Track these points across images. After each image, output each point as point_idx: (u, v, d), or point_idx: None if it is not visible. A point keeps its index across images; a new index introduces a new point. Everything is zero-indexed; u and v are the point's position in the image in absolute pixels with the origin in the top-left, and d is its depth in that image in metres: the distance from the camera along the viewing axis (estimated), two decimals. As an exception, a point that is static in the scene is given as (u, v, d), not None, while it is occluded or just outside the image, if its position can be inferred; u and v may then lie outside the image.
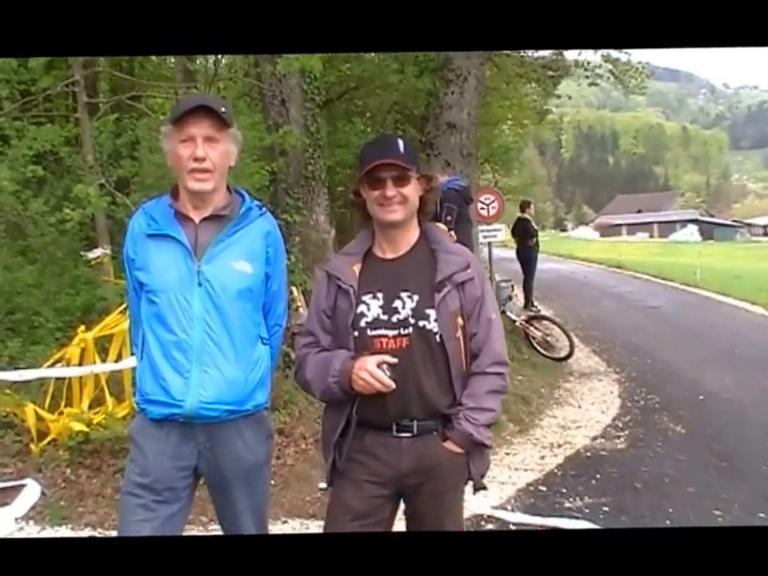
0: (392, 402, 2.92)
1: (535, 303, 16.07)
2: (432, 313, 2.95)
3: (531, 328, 12.23)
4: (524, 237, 15.78)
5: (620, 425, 8.72)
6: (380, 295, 3.01)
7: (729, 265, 30.31)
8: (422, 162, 12.35)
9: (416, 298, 2.98)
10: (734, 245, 56.39)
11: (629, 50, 17.79)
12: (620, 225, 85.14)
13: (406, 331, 2.95)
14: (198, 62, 9.60)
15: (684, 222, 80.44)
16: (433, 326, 2.94)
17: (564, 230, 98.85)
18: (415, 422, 2.96)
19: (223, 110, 3.04)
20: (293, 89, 9.42)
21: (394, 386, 2.86)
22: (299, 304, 8.33)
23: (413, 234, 3.11)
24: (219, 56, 10.00)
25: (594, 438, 8.23)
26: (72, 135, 8.25)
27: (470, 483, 3.07)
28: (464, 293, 3.01)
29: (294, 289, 8.54)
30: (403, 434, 2.96)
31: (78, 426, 6.02)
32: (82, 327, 6.40)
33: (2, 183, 6.79)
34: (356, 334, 2.99)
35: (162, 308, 3.02)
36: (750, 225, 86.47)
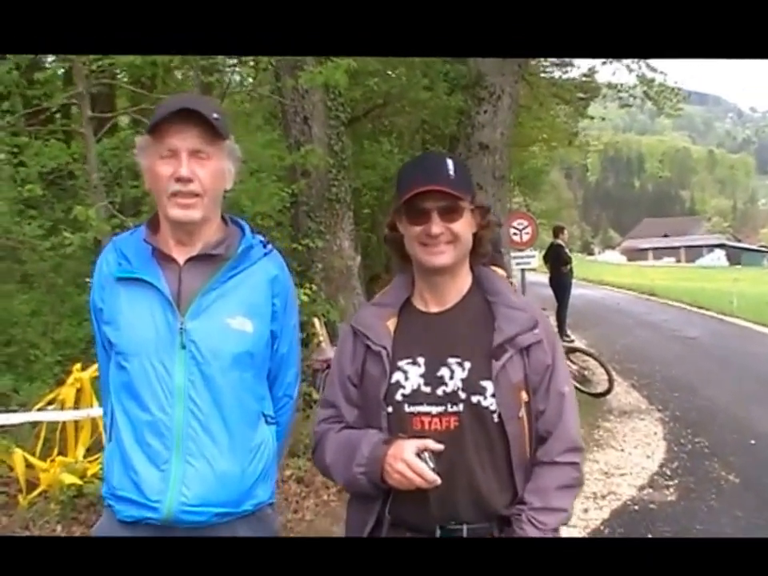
0: (436, 501, 2.24)
1: (568, 332, 15.45)
2: (489, 385, 2.27)
3: (566, 361, 11.53)
4: (557, 263, 15.24)
5: (668, 472, 8.02)
6: (421, 360, 2.34)
7: (759, 290, 29.54)
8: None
9: (468, 365, 2.30)
10: (761, 270, 55.57)
11: (663, 72, 17.46)
12: (646, 249, 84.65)
13: (455, 408, 2.28)
14: (213, 76, 9.01)
15: (711, 247, 79.75)
16: (489, 402, 2.26)
17: (591, 253, 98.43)
18: (465, 526, 2.25)
19: (216, 115, 2.36)
20: (316, 105, 8.86)
21: (438, 480, 2.16)
22: (321, 338, 7.78)
23: (463, 282, 2.44)
24: (235, 68, 9.43)
25: (641, 488, 7.53)
26: (77, 152, 7.64)
27: None
28: (529, 359, 2.32)
29: (315, 320, 7.98)
30: None
31: (70, 479, 5.37)
32: (78, 365, 5.76)
33: (-6, 204, 6.18)
34: (390, 409, 2.32)
35: (133, 377, 2.34)
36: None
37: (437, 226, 2.28)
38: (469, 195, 2.33)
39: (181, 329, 2.32)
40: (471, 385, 2.28)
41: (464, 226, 2.33)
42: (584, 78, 18.19)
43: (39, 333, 6.77)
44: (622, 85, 17.91)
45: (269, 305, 2.46)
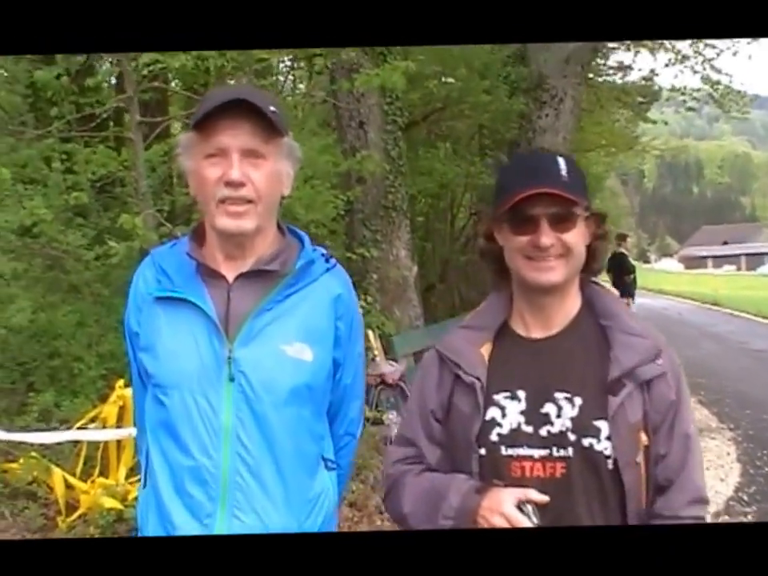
0: None
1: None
2: (603, 426, 1.89)
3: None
4: (620, 272, 14.68)
5: (745, 498, 7.49)
6: (522, 395, 1.98)
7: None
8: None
9: (578, 401, 1.93)
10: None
11: (729, 73, 16.96)
12: (706, 257, 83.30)
13: (562, 452, 1.91)
14: (267, 79, 8.76)
15: (773, 255, 78.00)
16: (604, 445, 1.88)
17: (647, 261, 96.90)
18: None
19: (272, 108, 2.02)
20: (372, 109, 8.56)
21: None
22: (375, 352, 7.46)
23: (573, 303, 2.05)
24: (290, 72, 9.16)
25: (717, 515, 7.03)
26: (127, 160, 7.41)
27: None
28: (650, 395, 1.93)
29: (369, 333, 7.64)
30: None
31: (111, 503, 5.07)
32: (121, 382, 5.46)
33: (39, 212, 5.92)
34: (483, 451, 1.96)
35: (173, 413, 2.01)
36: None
37: (546, 237, 1.90)
38: (584, 200, 1.94)
39: (229, 357, 2.00)
40: (582, 425, 1.91)
41: (577, 237, 1.95)
42: (644, 82, 17.72)
43: (84, 345, 6.51)
44: (685, 87, 17.33)
45: (331, 329, 2.12)
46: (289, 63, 9.57)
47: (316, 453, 2.11)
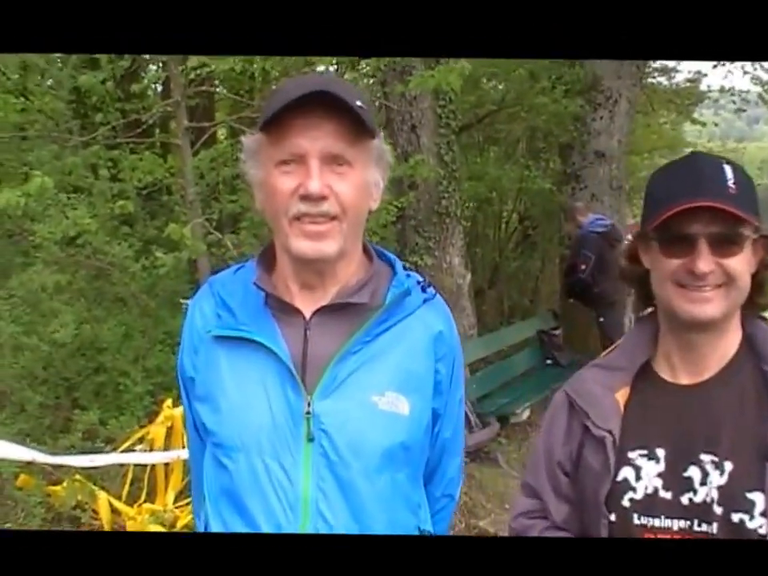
0: None
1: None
2: (759, 499, 1.55)
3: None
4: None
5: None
6: (661, 453, 1.65)
7: None
8: (567, 196, 11.08)
9: (729, 467, 1.59)
10: None
11: None
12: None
13: (705, 527, 1.59)
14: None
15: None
16: (758, 523, 1.55)
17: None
18: None
19: (360, 103, 1.67)
20: (425, 112, 8.20)
21: None
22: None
23: (730, 343, 1.70)
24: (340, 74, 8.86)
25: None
26: (174, 166, 7.15)
27: None
28: None
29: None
30: None
31: (157, 530, 4.79)
32: (169, 402, 5.17)
33: (83, 221, 5.67)
34: (613, 517, 1.65)
35: (238, 481, 1.68)
36: None
37: (704, 261, 1.57)
38: (754, 219, 1.60)
39: (307, 412, 1.67)
40: (732, 496, 1.57)
41: (742, 264, 1.61)
42: (689, 83, 17.25)
43: (130, 360, 6.24)
44: (733, 88, 16.85)
45: (430, 373, 1.79)
46: (336, 65, 9.22)
47: (413, 525, 1.79)
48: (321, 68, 7.44)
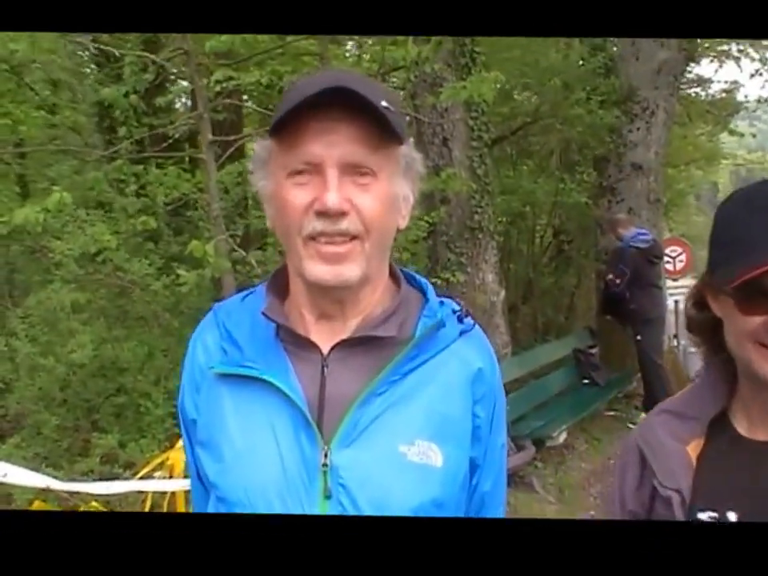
0: None
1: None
2: None
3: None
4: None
5: None
6: (732, 517, 1.39)
7: None
8: (603, 210, 10.80)
9: None
10: None
11: None
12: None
13: None
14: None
15: None
16: None
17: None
18: None
19: (385, 104, 1.39)
20: (456, 124, 7.98)
21: None
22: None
23: None
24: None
25: None
26: (201, 181, 6.99)
27: None
28: None
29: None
30: None
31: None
32: (187, 427, 4.97)
33: (103, 238, 5.48)
34: None
35: None
36: None
37: None
38: None
39: (324, 464, 1.40)
40: None
41: None
42: (725, 94, 16.99)
43: (151, 381, 6.06)
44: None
45: (468, 417, 1.51)
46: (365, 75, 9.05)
47: None
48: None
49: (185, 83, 8.83)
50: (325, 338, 1.48)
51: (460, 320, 1.53)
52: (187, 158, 8.07)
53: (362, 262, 1.42)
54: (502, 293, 8.35)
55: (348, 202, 1.38)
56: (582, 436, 8.59)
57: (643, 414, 8.98)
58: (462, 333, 1.53)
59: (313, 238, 1.40)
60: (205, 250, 5.39)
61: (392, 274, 1.57)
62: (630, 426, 9.00)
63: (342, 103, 1.36)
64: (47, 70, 7.06)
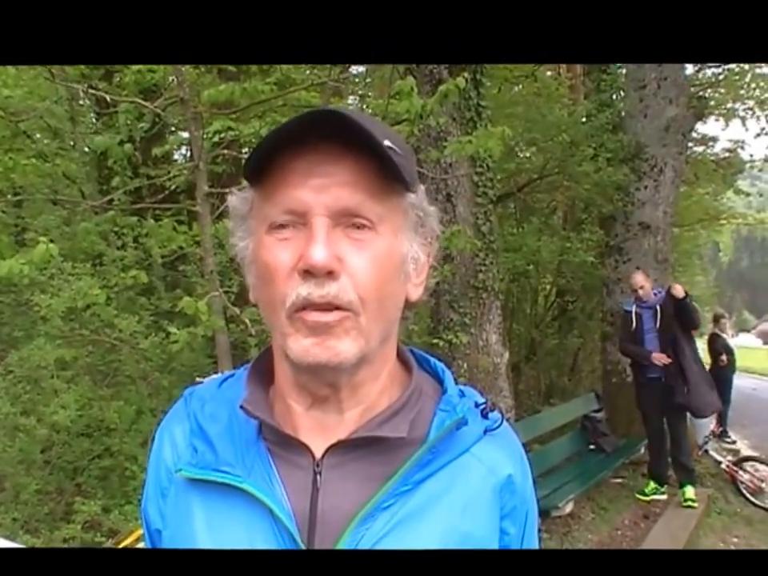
0: None
1: (729, 433, 13.84)
2: None
3: (739, 471, 10.02)
4: (713, 355, 13.76)
5: None
6: None
7: None
8: (610, 270, 10.60)
9: None
10: None
11: None
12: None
13: None
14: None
15: None
16: None
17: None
18: None
19: (389, 143, 1.08)
20: (461, 180, 7.79)
21: None
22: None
23: None
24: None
25: None
26: (197, 234, 6.76)
27: None
28: None
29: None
30: None
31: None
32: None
33: (92, 293, 5.24)
34: None
35: None
36: None
37: None
38: None
39: None
40: None
41: None
42: (728, 153, 17.03)
43: (138, 443, 5.77)
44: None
45: (494, 535, 1.21)
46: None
47: None
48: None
49: (184, 134, 8.71)
50: (317, 436, 1.19)
51: (484, 415, 1.25)
52: (185, 211, 7.88)
53: (358, 338, 1.11)
54: (506, 354, 8.10)
55: (338, 261, 1.08)
56: (588, 505, 8.31)
57: (651, 482, 8.78)
58: (486, 431, 1.24)
59: (299, 308, 1.09)
60: (197, 307, 5.13)
61: (400, 357, 1.28)
62: (638, 495, 8.77)
63: (334, 136, 1.09)
64: (44, 116, 6.90)
